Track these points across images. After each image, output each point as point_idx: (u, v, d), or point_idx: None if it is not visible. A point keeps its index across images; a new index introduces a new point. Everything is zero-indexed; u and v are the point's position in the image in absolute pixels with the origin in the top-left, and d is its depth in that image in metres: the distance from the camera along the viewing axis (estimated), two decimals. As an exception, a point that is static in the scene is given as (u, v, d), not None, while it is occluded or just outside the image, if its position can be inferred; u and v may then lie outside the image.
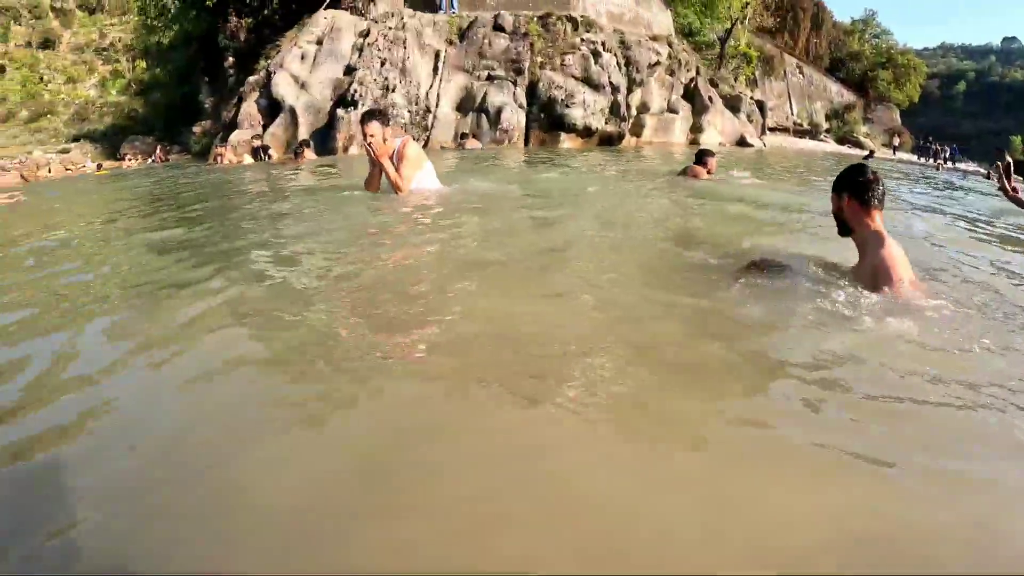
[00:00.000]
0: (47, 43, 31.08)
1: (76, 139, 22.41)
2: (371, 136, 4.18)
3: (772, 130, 21.76)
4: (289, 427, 1.40)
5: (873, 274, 2.22)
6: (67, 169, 20.18)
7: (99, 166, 19.19)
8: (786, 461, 1.27)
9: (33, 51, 30.95)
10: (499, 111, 13.03)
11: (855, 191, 2.33)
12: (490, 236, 3.46)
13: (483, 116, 13.04)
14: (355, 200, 4.65)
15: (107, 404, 1.58)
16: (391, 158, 4.32)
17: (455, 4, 14.70)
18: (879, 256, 2.22)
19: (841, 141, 27.37)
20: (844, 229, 2.43)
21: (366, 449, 1.30)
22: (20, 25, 32.57)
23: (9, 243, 4.00)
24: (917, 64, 40.63)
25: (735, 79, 20.28)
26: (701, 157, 6.60)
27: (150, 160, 17.98)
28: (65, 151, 21.36)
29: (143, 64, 25.23)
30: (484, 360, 1.74)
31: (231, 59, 16.41)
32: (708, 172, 6.45)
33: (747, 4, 21.53)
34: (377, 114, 4.30)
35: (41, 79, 28.97)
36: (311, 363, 1.73)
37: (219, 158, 13.38)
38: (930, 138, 33.48)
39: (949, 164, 26.69)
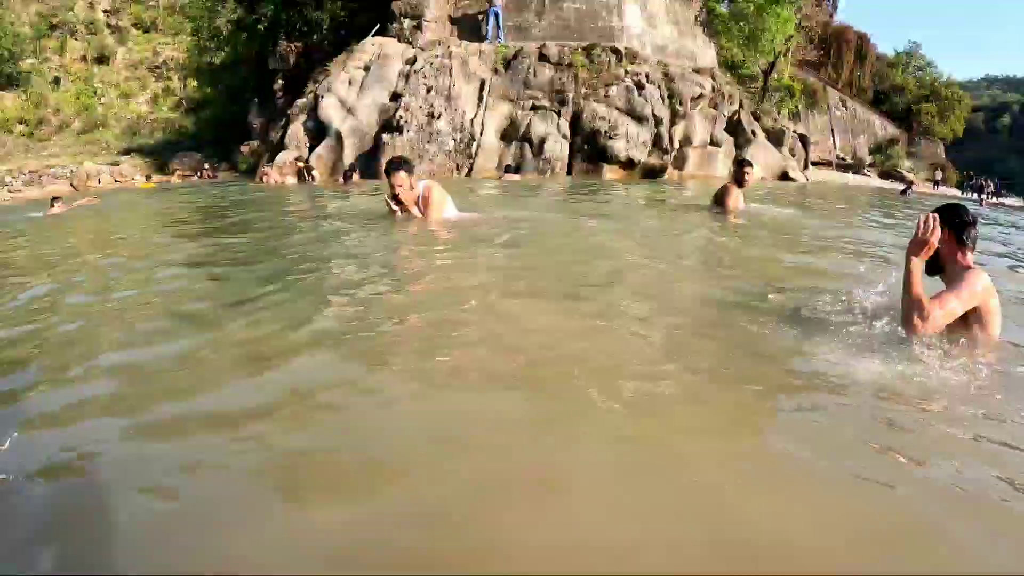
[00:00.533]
0: (102, 58, 32.21)
1: (127, 152, 23.11)
2: (399, 187, 4.38)
3: (815, 164, 21.43)
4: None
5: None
6: (116, 181, 20.84)
7: (148, 177, 19.76)
8: None
9: (88, 65, 32.10)
10: (543, 141, 13.07)
11: (955, 228, 2.34)
12: (523, 264, 3.50)
13: (527, 146, 13.09)
14: (393, 224, 4.80)
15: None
16: (417, 203, 4.57)
17: (501, 35, 14.84)
18: (973, 286, 2.26)
19: (884, 175, 26.84)
20: (934, 267, 2.40)
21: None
22: (76, 40, 33.88)
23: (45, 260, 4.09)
24: (961, 96, 39.94)
25: (778, 112, 20.07)
26: (740, 168, 6.34)
27: (196, 176, 18.48)
28: (116, 163, 22.04)
29: (194, 83, 26.03)
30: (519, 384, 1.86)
31: (280, 81, 16.84)
32: (744, 184, 6.25)
33: (791, 37, 21.37)
34: (403, 164, 4.45)
35: (95, 93, 30.02)
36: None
37: (265, 177, 13.69)
38: (970, 173, 32.74)
39: (993, 199, 26.09)
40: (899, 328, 2.24)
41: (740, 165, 6.34)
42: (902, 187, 20.82)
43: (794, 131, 19.13)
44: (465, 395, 1.81)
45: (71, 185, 20.75)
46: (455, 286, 2.99)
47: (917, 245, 2.24)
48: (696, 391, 1.90)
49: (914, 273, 2.23)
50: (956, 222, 2.34)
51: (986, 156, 58.22)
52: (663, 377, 1.95)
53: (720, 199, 6.34)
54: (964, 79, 71.83)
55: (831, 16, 32.42)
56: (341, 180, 12.12)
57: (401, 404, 1.73)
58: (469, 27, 15.37)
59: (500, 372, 1.96)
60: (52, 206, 10.17)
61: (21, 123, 28.00)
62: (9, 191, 20.02)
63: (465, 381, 1.90)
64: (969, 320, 2.25)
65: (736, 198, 6.25)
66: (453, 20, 15.55)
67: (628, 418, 1.68)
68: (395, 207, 4.62)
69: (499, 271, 3.30)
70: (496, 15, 14.82)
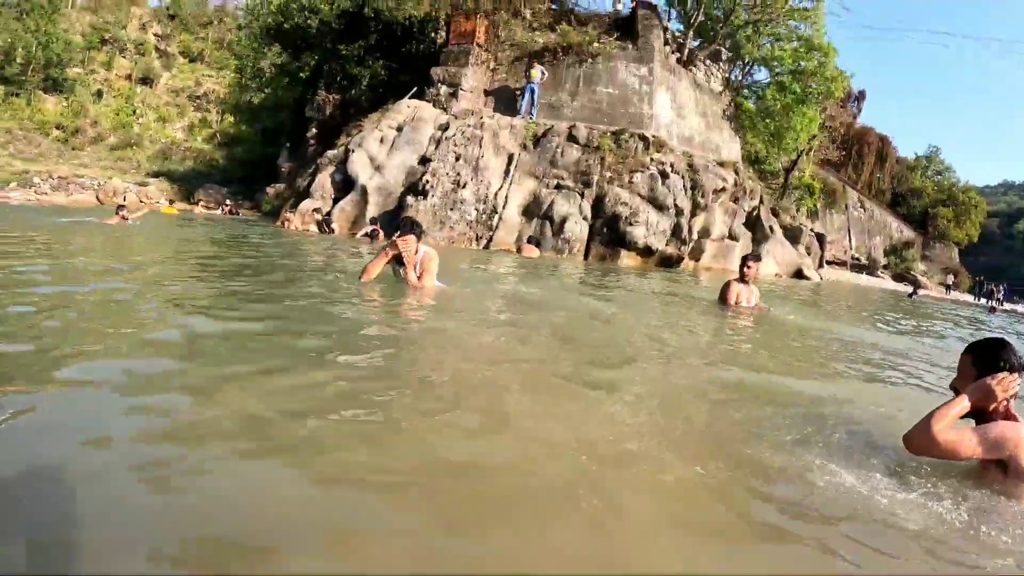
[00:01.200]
0: (146, 80, 33.37)
1: (156, 175, 23.58)
2: (406, 250, 4.71)
3: (830, 263, 21.57)
4: None
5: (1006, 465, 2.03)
6: (141, 201, 21.22)
7: (171, 202, 20.10)
8: None
9: (131, 84, 33.25)
10: (564, 221, 13.22)
11: (1000, 370, 2.09)
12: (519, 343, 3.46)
13: (547, 224, 13.24)
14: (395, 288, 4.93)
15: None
16: (415, 267, 4.88)
17: (534, 111, 15.24)
18: (1003, 433, 2.03)
19: (898, 278, 26.95)
20: (976, 414, 2.15)
21: None
22: (124, 58, 35.17)
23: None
24: (978, 202, 40.52)
25: (796, 209, 20.35)
26: (742, 263, 6.26)
27: (219, 211, 18.78)
28: (144, 184, 22.52)
29: (231, 119, 26.80)
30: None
31: (314, 130, 17.29)
32: (747, 281, 6.21)
33: (814, 136, 21.84)
34: (415, 227, 4.80)
35: (134, 111, 30.93)
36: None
37: (287, 223, 13.90)
38: (980, 278, 32.96)
39: (1007, 305, 26.11)
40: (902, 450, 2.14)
41: (743, 260, 6.30)
42: (910, 290, 20.94)
43: (811, 229, 19.33)
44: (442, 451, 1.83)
45: (96, 198, 21.16)
46: (443, 356, 3.04)
47: (981, 390, 2.07)
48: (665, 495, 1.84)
49: (954, 405, 2.07)
50: (1002, 365, 2.11)
51: (1001, 262, 58.37)
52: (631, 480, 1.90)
53: (723, 296, 6.34)
54: (981, 184, 72.88)
55: (854, 118, 33.24)
56: (365, 235, 12.33)
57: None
58: (504, 100, 15.81)
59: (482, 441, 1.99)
60: (117, 214, 10.63)
61: (58, 128, 28.81)
62: (36, 192, 20.41)
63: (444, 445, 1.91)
64: (1008, 472, 2.03)
65: (737, 294, 6.20)
66: (488, 92, 16.01)
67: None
68: (373, 271, 4.88)
69: (495, 349, 3.33)
70: (532, 91, 15.26)
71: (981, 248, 50.17)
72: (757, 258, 6.50)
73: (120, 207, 11.07)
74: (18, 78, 28.51)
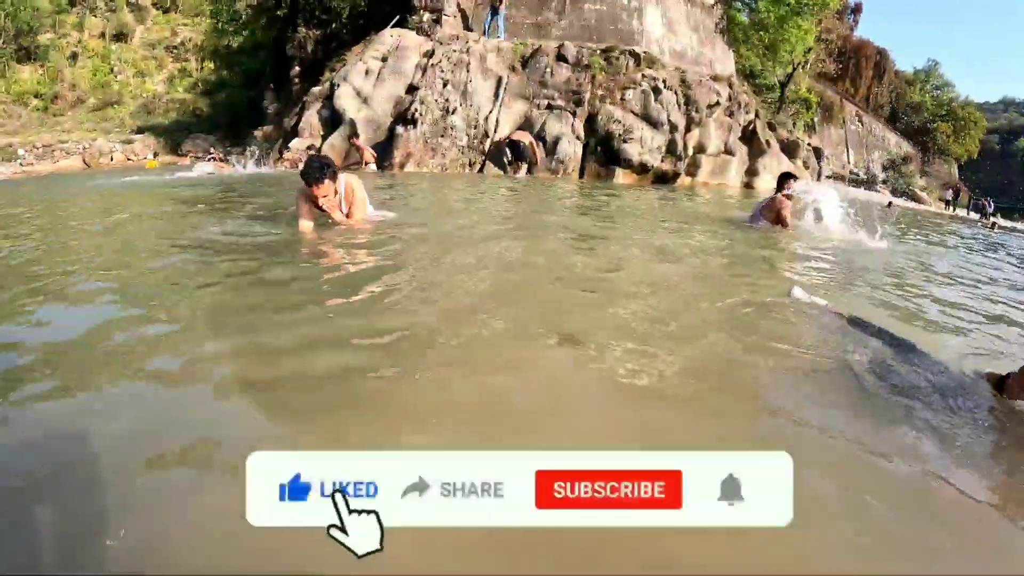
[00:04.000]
0: (120, 36, 32.28)
1: (140, 131, 23.19)
2: (324, 197, 3.95)
3: (828, 178, 21.37)
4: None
5: None
6: (128, 160, 20.92)
7: (155, 154, 19.82)
8: None
9: (106, 43, 32.19)
10: (556, 141, 13.03)
11: None
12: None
13: (540, 145, 13.05)
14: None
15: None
16: (339, 206, 4.19)
17: (501, 31, 14.84)
18: None
19: (897, 193, 26.75)
20: None
21: None
22: (96, 17, 33.97)
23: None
24: (977, 118, 39.82)
25: (793, 124, 19.99)
26: (783, 181, 5.95)
27: (205, 159, 18.48)
28: (129, 142, 22.14)
29: (211, 65, 26.06)
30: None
31: (297, 68, 16.85)
32: (789, 198, 5.78)
33: (810, 49, 21.28)
34: (325, 170, 3.91)
35: (111, 70, 30.08)
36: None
37: (278, 163, 13.73)
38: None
39: (1005, 222, 25.93)
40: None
41: (786, 180, 6.02)
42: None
43: (808, 144, 19.05)
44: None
45: (84, 161, 20.88)
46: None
47: None
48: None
49: None
50: None
51: (1000, 179, 57.79)
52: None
53: (776, 215, 5.79)
54: (981, 100, 71.47)
55: (851, 30, 32.29)
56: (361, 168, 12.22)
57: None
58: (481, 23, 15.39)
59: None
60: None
61: (36, 97, 28.09)
62: (21, 164, 20.15)
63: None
64: None
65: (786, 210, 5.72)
66: (472, 15, 15.53)
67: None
68: (308, 225, 4.13)
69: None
70: (499, 14, 14.90)
71: (980, 165, 49.59)
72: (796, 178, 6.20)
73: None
74: (-10, 52, 27.61)
